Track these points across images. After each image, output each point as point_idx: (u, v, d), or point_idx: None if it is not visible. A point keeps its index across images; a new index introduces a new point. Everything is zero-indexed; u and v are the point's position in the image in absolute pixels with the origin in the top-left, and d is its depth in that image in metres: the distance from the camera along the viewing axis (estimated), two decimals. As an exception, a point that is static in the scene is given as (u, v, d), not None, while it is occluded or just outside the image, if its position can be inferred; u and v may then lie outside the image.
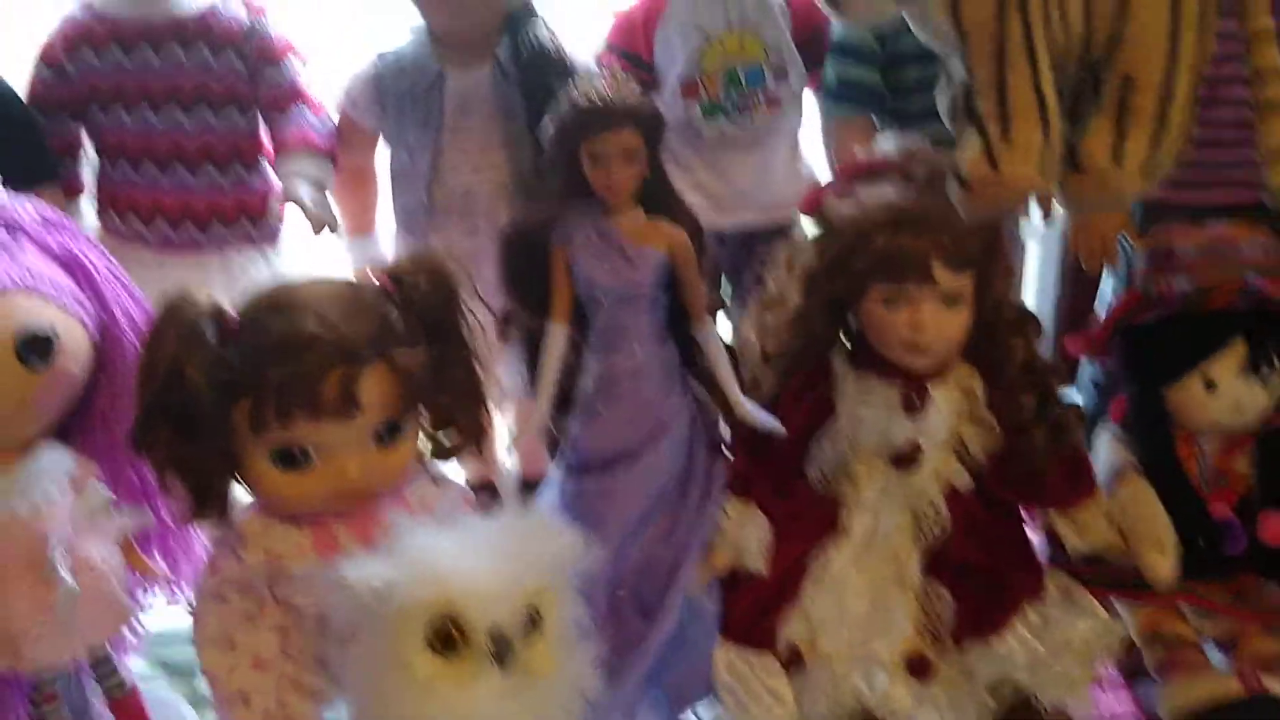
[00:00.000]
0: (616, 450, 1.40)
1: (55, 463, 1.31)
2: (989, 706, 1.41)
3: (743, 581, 1.40)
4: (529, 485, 1.73)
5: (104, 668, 1.40)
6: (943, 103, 1.36)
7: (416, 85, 1.71)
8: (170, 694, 1.56)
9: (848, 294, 1.37)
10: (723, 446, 1.47)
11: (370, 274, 1.25)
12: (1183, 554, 1.46)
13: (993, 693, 1.41)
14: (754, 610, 1.39)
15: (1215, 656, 1.50)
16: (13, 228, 1.29)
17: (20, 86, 1.74)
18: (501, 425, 1.62)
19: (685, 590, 1.39)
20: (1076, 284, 2.02)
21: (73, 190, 1.79)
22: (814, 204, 1.42)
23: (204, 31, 1.72)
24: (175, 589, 1.47)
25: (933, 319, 1.32)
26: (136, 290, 1.39)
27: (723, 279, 1.83)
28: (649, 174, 1.38)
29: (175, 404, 1.15)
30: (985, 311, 1.36)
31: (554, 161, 1.39)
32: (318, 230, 1.64)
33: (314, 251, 1.73)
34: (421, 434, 1.27)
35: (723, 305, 1.62)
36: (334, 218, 1.67)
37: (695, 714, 1.47)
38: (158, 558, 1.44)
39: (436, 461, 1.32)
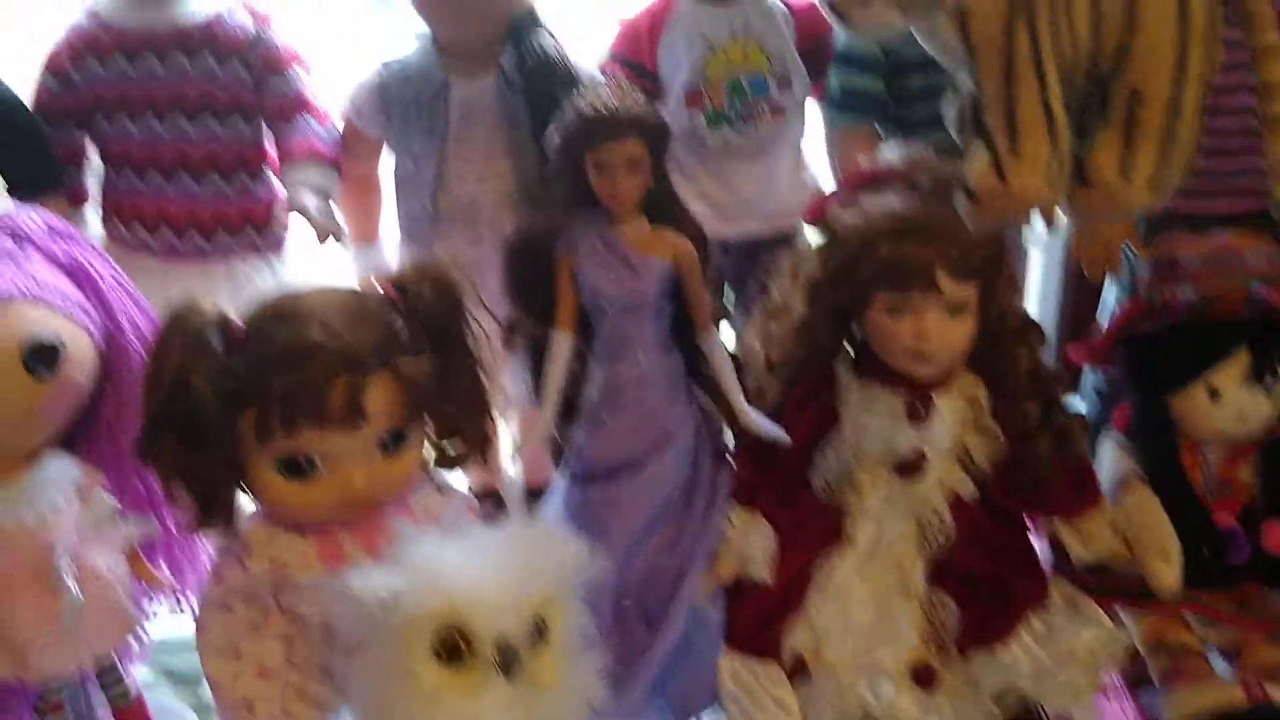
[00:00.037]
0: (621, 459, 1.40)
1: (61, 472, 1.32)
2: (994, 715, 1.41)
3: (747, 590, 1.39)
4: (533, 494, 1.72)
5: (109, 676, 1.40)
6: (949, 114, 1.36)
7: (421, 94, 1.71)
8: (175, 702, 1.56)
9: (852, 303, 1.37)
10: (727, 455, 1.47)
11: (375, 283, 1.25)
12: (1187, 563, 1.45)
13: (998, 702, 1.41)
14: (759, 619, 1.39)
15: (1220, 665, 1.50)
16: (19, 237, 1.30)
17: (24, 91, 1.74)
18: (506, 434, 1.62)
19: (690, 599, 1.39)
20: (1079, 291, 2.02)
21: (78, 199, 1.79)
22: (818, 213, 1.42)
23: (209, 40, 1.71)
24: (180, 598, 1.47)
25: (937, 328, 1.32)
26: (142, 299, 1.39)
27: (726, 287, 1.83)
28: (654, 183, 1.38)
29: (181, 413, 1.15)
30: (990, 320, 1.36)
31: (559, 170, 1.39)
32: (323, 239, 1.64)
33: (319, 260, 1.73)
34: (426, 442, 1.27)
35: (726, 314, 1.62)
36: (339, 226, 1.67)
37: (700, 723, 1.47)
38: (163, 566, 1.44)
39: (441, 470, 1.32)
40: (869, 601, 1.40)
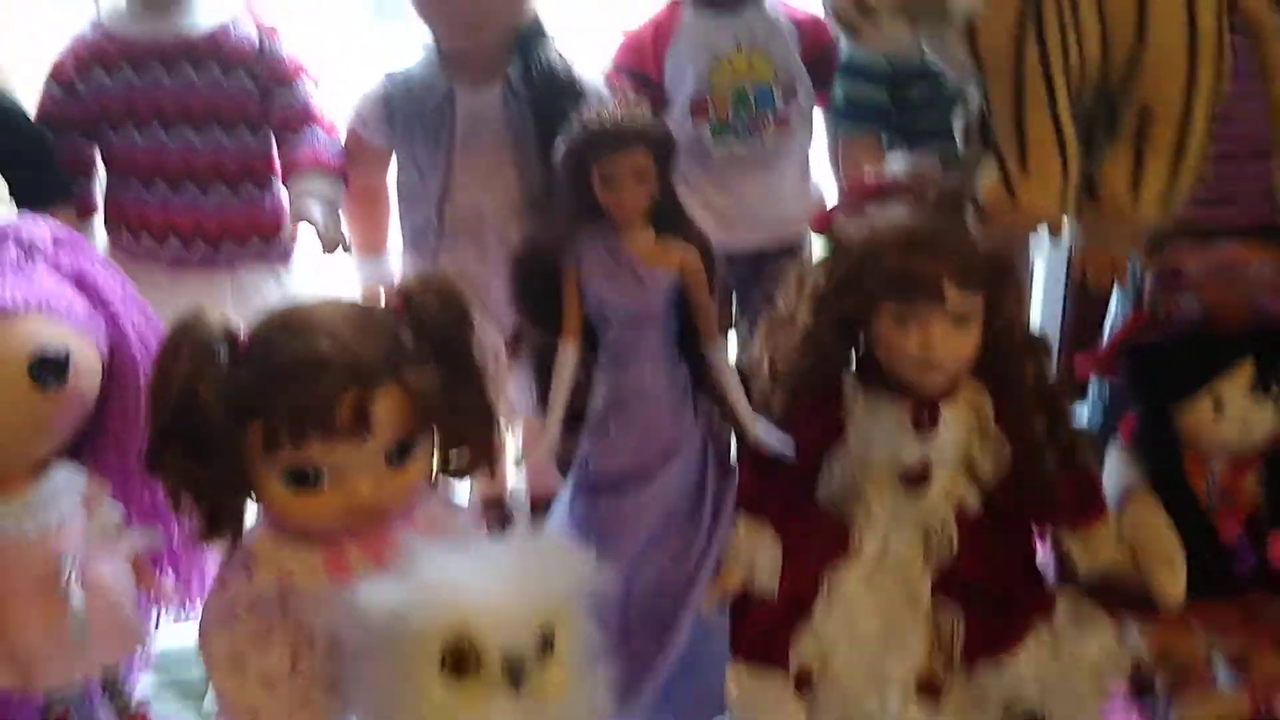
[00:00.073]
0: (627, 470, 1.41)
1: (68, 483, 1.32)
2: (1000, 725, 1.41)
3: (754, 601, 1.39)
4: (539, 504, 1.73)
5: (114, 687, 1.40)
6: (959, 128, 1.36)
7: (426, 105, 1.71)
8: (179, 712, 1.56)
9: (858, 313, 1.37)
10: (733, 466, 1.47)
11: (381, 295, 1.26)
12: (1192, 573, 1.45)
13: (1004, 712, 1.40)
14: (766, 630, 1.39)
15: (1225, 675, 1.50)
16: (28, 249, 1.30)
17: (25, 93, 1.75)
18: (512, 443, 1.63)
19: (697, 610, 1.39)
20: (1083, 300, 2.02)
21: (86, 209, 1.79)
22: (824, 223, 1.42)
23: (215, 51, 1.71)
24: (186, 607, 1.47)
25: (943, 339, 1.32)
26: (149, 310, 1.40)
27: (731, 297, 1.83)
28: (660, 194, 1.38)
29: (187, 424, 1.14)
30: (995, 331, 1.36)
31: (565, 181, 1.40)
32: (329, 249, 1.64)
33: (325, 270, 1.73)
34: (432, 453, 1.27)
35: (731, 324, 1.62)
36: (345, 237, 1.67)
37: (707, 734, 1.47)
38: (168, 576, 1.44)
39: (447, 481, 1.32)
40: (875, 612, 1.40)
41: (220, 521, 1.21)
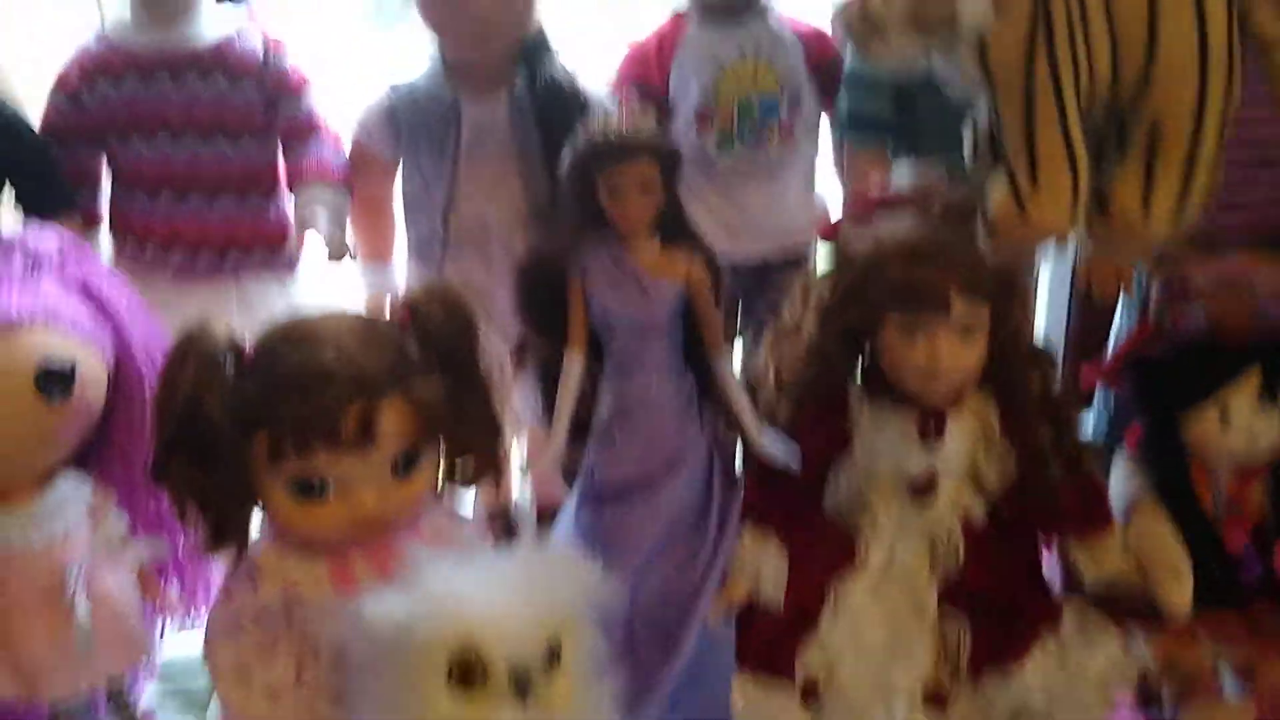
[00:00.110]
0: (633, 480, 1.41)
1: (74, 493, 1.33)
2: (1007, 736, 1.41)
3: (760, 612, 1.39)
4: (544, 514, 1.73)
5: (119, 698, 1.40)
6: (967, 143, 1.36)
7: (431, 115, 1.71)
8: (184, 722, 1.57)
9: (864, 324, 1.37)
10: (739, 476, 1.47)
11: (386, 305, 1.26)
12: (1198, 583, 1.45)
13: (1011, 722, 1.41)
14: (772, 640, 1.39)
15: (1231, 685, 1.50)
16: (34, 260, 1.30)
17: (22, 95, 1.75)
18: (516, 453, 1.63)
19: (703, 621, 1.39)
20: (1088, 309, 2.01)
21: (91, 219, 1.79)
22: (830, 235, 1.43)
23: (221, 62, 1.72)
24: (190, 618, 1.47)
25: (949, 349, 1.32)
26: (154, 320, 1.40)
27: (735, 308, 1.83)
28: (665, 205, 1.38)
29: (193, 435, 1.14)
30: (1001, 342, 1.36)
31: (571, 192, 1.40)
32: (334, 259, 1.64)
33: (330, 280, 1.73)
34: (438, 464, 1.27)
35: (736, 334, 1.62)
36: (350, 247, 1.67)
37: (713, 744, 1.47)
38: (173, 586, 1.44)
39: (452, 491, 1.32)
40: (882, 622, 1.40)
41: (225, 532, 1.20)
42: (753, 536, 1.40)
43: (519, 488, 1.81)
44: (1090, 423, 1.75)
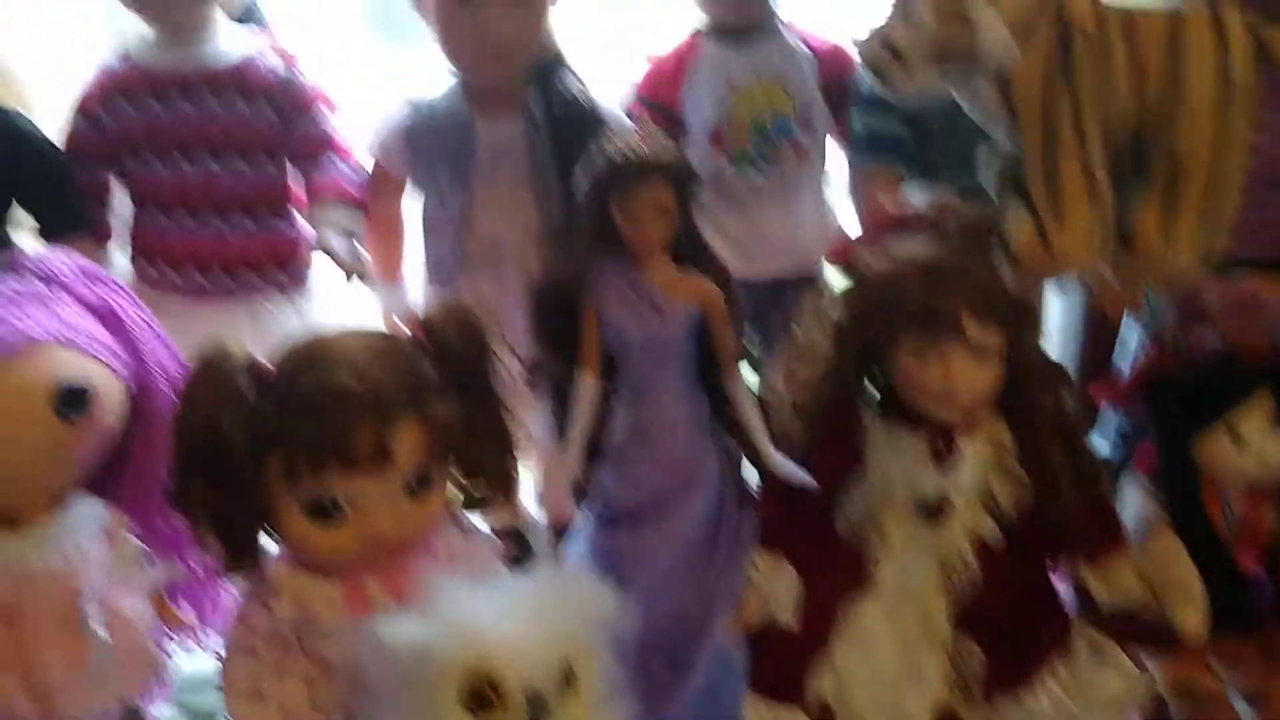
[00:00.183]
0: (646, 502, 1.41)
1: (88, 514, 1.33)
2: (1019, 761, 1.40)
3: (772, 634, 1.39)
4: (556, 532, 1.73)
5: (134, 717, 1.40)
6: (987, 174, 1.36)
7: (448, 135, 1.71)
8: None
9: (877, 345, 1.37)
10: (751, 498, 1.47)
11: (401, 325, 1.26)
12: (1210, 606, 1.45)
13: (1022, 746, 1.40)
14: (783, 663, 1.38)
15: (1243, 709, 1.49)
16: (51, 280, 1.31)
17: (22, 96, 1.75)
18: (529, 474, 1.63)
19: (715, 643, 1.39)
20: (1097, 330, 2.01)
21: (103, 237, 1.79)
22: (843, 255, 1.43)
23: (239, 83, 1.72)
24: (204, 638, 1.47)
25: (963, 372, 1.32)
26: (170, 341, 1.40)
27: (748, 326, 1.83)
28: (681, 227, 1.39)
29: (211, 457, 1.15)
30: (1015, 365, 1.36)
31: (586, 214, 1.40)
32: (349, 278, 1.64)
33: (344, 299, 1.73)
34: (451, 484, 1.28)
35: (748, 353, 1.62)
36: (365, 266, 1.67)
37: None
38: (187, 607, 1.45)
39: (465, 511, 1.33)
40: (894, 646, 1.39)
41: (240, 553, 1.21)
42: (765, 558, 1.40)
43: (531, 507, 1.81)
44: (1101, 445, 1.75)
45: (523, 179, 1.70)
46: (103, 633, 1.26)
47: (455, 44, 1.67)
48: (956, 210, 1.39)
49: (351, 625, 1.18)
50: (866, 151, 1.80)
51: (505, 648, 1.06)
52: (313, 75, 1.77)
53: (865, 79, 1.74)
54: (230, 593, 1.44)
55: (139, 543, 1.36)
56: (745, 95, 1.79)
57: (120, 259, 1.82)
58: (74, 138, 1.75)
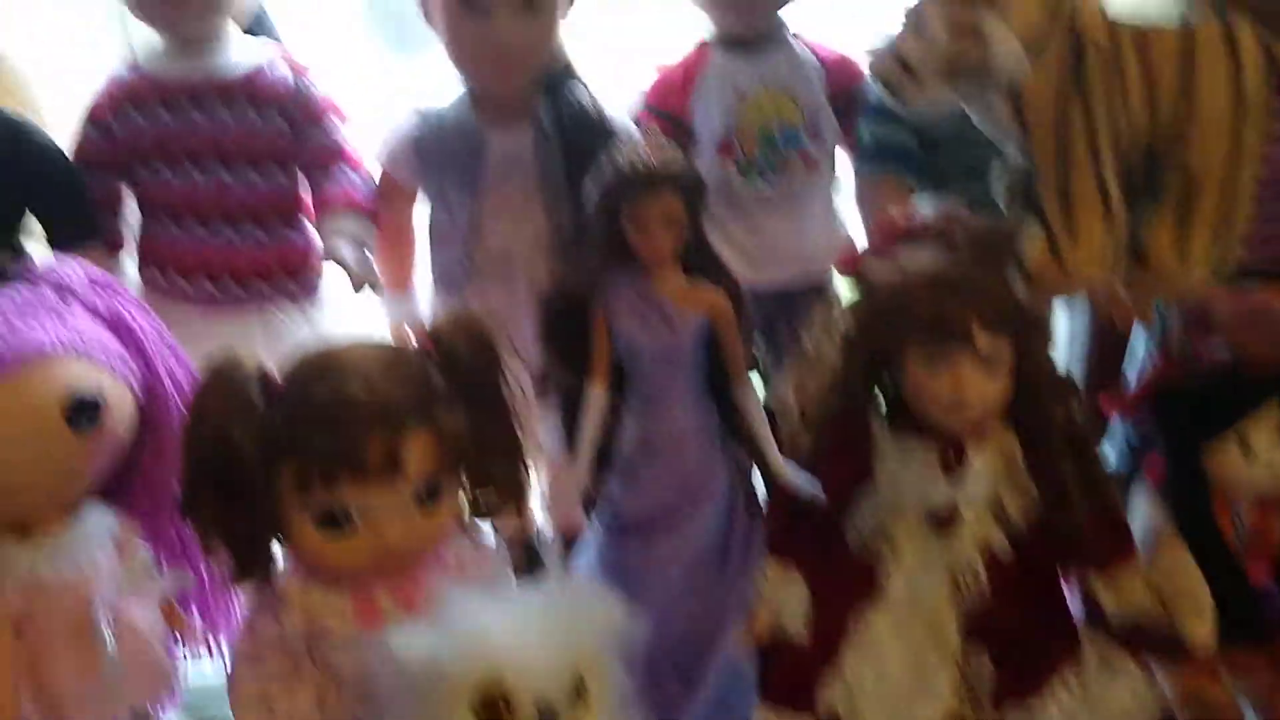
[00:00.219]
0: (656, 512, 1.41)
1: (100, 524, 1.33)
2: (1029, 771, 1.40)
3: (782, 645, 1.39)
4: (565, 542, 1.73)
5: (145, 728, 1.40)
6: (998, 187, 1.36)
7: (457, 145, 1.71)
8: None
9: (886, 355, 1.37)
10: (761, 508, 1.47)
11: (411, 335, 1.26)
12: (1220, 617, 1.45)
13: (1032, 757, 1.40)
14: (793, 674, 1.38)
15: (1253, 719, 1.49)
16: (63, 291, 1.31)
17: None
18: (539, 482, 1.63)
19: (725, 654, 1.39)
20: (1106, 338, 2.01)
21: (114, 246, 1.79)
22: (852, 265, 1.43)
23: (249, 93, 1.72)
24: (214, 647, 1.47)
25: (972, 381, 1.32)
26: (181, 350, 1.40)
27: (756, 336, 1.83)
28: (690, 237, 1.39)
29: (221, 468, 1.15)
30: (1024, 375, 1.36)
31: (596, 224, 1.40)
32: (359, 288, 1.64)
33: (353, 308, 1.73)
34: (460, 494, 1.28)
35: (757, 363, 1.62)
36: (375, 276, 1.67)
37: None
38: (197, 616, 1.45)
39: (475, 521, 1.33)
40: (903, 656, 1.39)
41: (250, 564, 1.21)
42: (775, 568, 1.40)
43: (541, 517, 1.81)
44: (1110, 455, 1.74)
45: (532, 189, 1.70)
46: (113, 643, 1.26)
47: (464, 54, 1.67)
48: (965, 220, 1.39)
49: (361, 636, 1.19)
50: (874, 161, 1.80)
51: (517, 660, 1.06)
52: (323, 84, 1.76)
53: (873, 88, 1.75)
54: (241, 602, 1.44)
55: (150, 552, 1.36)
56: (753, 105, 1.78)
57: (130, 268, 1.82)
58: (84, 147, 1.75)
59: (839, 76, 1.83)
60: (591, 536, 1.49)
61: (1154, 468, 1.58)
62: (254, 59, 1.75)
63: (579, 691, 1.10)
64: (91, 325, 1.31)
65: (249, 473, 1.15)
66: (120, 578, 1.32)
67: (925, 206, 1.44)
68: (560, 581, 1.19)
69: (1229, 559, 1.49)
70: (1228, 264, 1.28)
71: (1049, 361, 1.42)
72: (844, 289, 1.48)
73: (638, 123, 1.77)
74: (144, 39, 1.78)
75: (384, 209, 1.77)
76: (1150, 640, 1.45)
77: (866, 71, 1.39)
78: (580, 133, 1.66)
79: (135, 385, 1.33)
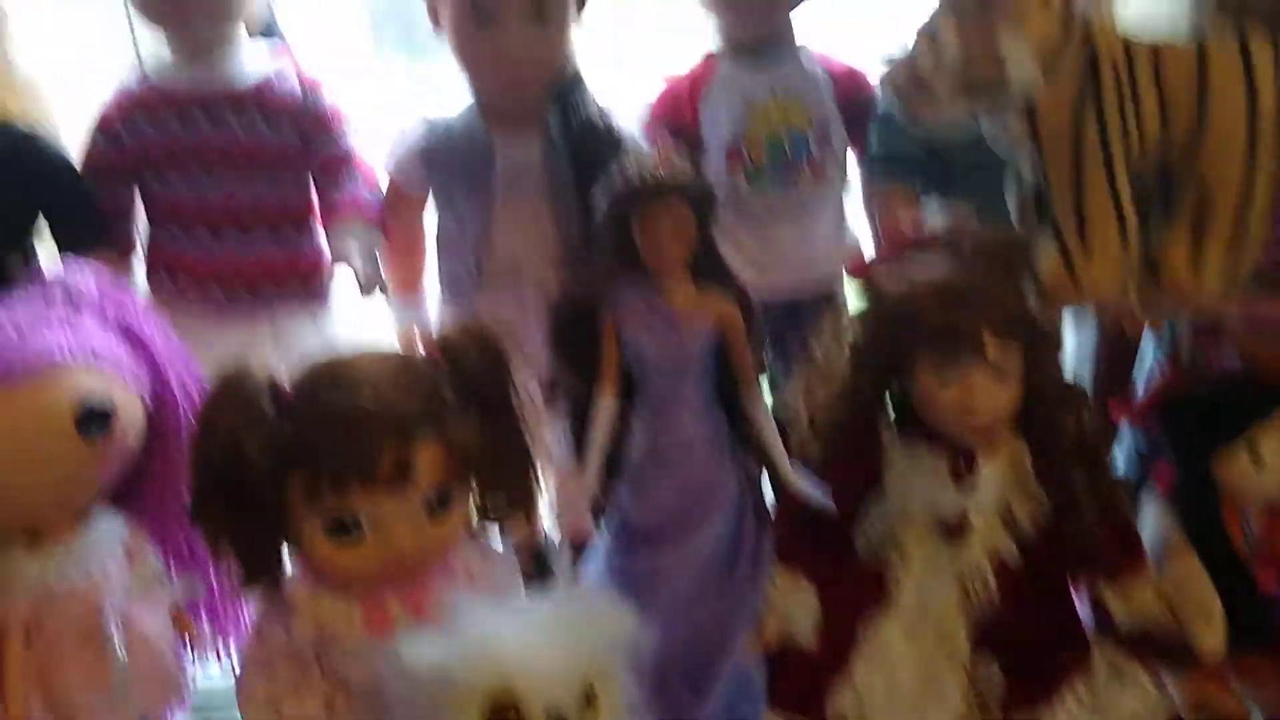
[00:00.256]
0: (665, 521, 1.41)
1: (110, 532, 1.33)
2: (1038, 780, 1.40)
3: (791, 654, 1.39)
4: (574, 550, 1.73)
5: (154, 735, 1.40)
6: (1011, 201, 1.36)
7: (466, 154, 1.71)
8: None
9: (896, 365, 1.37)
10: (770, 516, 1.47)
11: (420, 343, 1.26)
12: (1230, 625, 1.44)
13: (1042, 766, 1.40)
14: (802, 682, 1.38)
15: (1263, 728, 1.49)
16: (73, 299, 1.31)
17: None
18: (548, 490, 1.62)
19: (734, 663, 1.39)
20: (1115, 345, 2.01)
21: (125, 254, 1.79)
22: (862, 274, 1.43)
23: (259, 102, 1.72)
24: (224, 654, 1.47)
25: (983, 392, 1.32)
26: (190, 358, 1.41)
27: (766, 344, 1.83)
28: (699, 246, 1.39)
29: (231, 476, 1.15)
30: (1034, 384, 1.36)
31: (605, 234, 1.40)
32: (368, 289, 1.64)
33: (362, 315, 1.73)
34: (470, 501, 1.28)
35: (766, 370, 1.62)
36: (384, 284, 1.67)
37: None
38: (206, 623, 1.45)
39: (485, 529, 1.33)
40: (913, 665, 1.39)
41: (260, 571, 1.22)
42: (784, 577, 1.40)
43: (550, 524, 1.81)
44: (1119, 462, 1.74)
45: (541, 198, 1.69)
46: (123, 651, 1.26)
47: (474, 63, 1.67)
48: (974, 230, 1.39)
49: (371, 644, 1.19)
50: (883, 170, 1.79)
51: (527, 669, 1.07)
52: (333, 93, 1.77)
53: (883, 97, 1.75)
54: (250, 609, 1.44)
55: (159, 560, 1.36)
56: (762, 113, 1.78)
57: (139, 273, 1.82)
58: (93, 155, 1.75)
59: (847, 88, 1.83)
60: (600, 544, 1.49)
61: (1163, 475, 1.58)
62: (264, 68, 1.75)
63: (589, 699, 1.10)
64: (101, 333, 1.31)
65: (259, 481, 1.15)
66: (130, 585, 1.32)
67: (934, 215, 1.44)
68: (570, 589, 1.18)
69: (1238, 566, 1.49)
70: (1242, 279, 1.28)
71: (1059, 369, 1.42)
72: (853, 297, 1.48)
73: (646, 133, 1.76)
74: (153, 48, 1.78)
75: (393, 217, 1.77)
76: (1160, 647, 1.45)
77: (879, 85, 1.39)
78: (589, 142, 1.66)
79: (145, 393, 1.34)
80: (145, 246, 1.81)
